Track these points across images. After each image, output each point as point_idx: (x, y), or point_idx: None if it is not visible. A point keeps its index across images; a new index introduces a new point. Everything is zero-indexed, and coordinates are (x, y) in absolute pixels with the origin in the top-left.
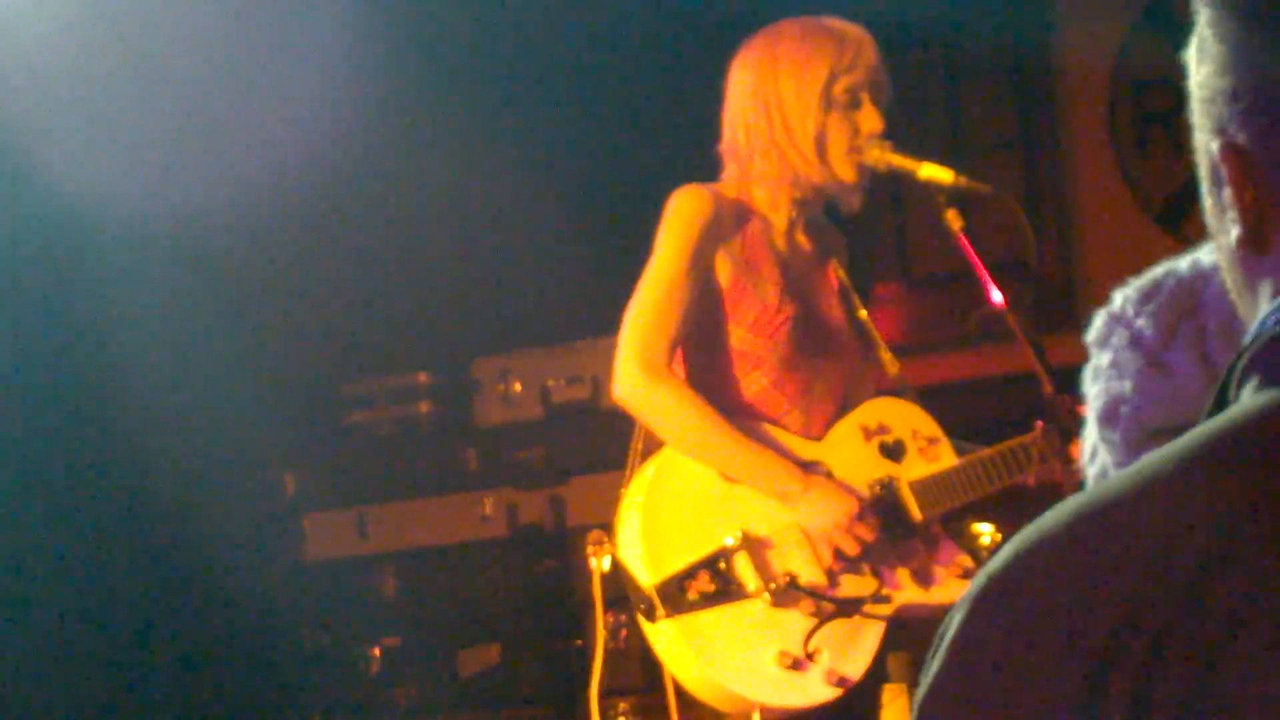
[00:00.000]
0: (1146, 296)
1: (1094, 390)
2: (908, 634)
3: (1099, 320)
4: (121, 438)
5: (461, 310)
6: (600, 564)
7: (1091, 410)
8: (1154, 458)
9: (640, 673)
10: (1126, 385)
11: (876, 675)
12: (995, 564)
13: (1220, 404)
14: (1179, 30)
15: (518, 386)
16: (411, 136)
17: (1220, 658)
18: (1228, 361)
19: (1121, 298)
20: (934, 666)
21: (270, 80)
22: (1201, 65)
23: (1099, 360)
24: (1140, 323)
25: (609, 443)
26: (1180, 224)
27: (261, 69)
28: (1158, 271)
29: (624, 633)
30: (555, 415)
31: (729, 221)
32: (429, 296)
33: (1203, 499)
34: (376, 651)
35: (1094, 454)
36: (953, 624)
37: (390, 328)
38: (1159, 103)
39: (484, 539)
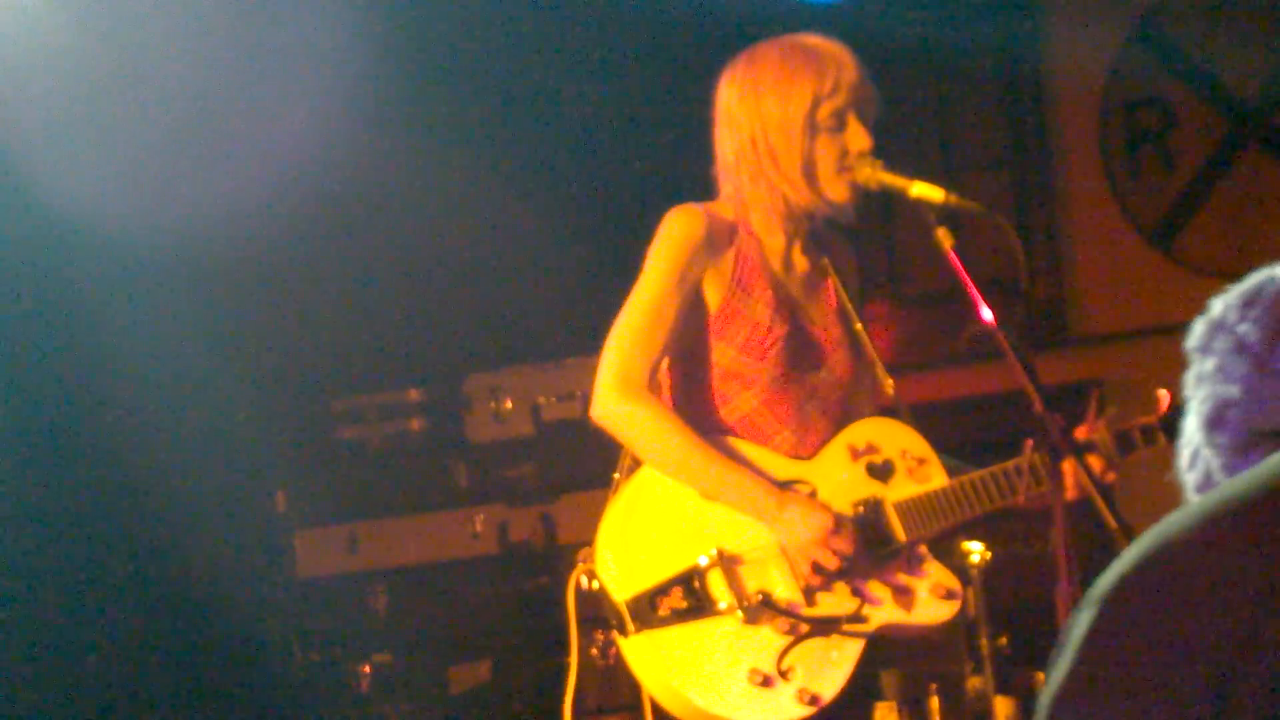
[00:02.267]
0: (1248, 302)
1: (1198, 395)
2: (899, 651)
3: (1199, 327)
4: (113, 455)
5: (453, 327)
6: (583, 580)
7: (1196, 415)
8: (1272, 462)
9: (630, 690)
10: (1234, 389)
11: (868, 692)
12: (1125, 564)
13: None
14: (1169, 50)
15: (509, 404)
16: (405, 155)
17: None
18: None
19: (1222, 304)
20: (1064, 664)
21: (263, 99)
22: None
23: (1202, 366)
24: (1244, 328)
25: (600, 460)
26: (1171, 242)
27: (253, 89)
28: (1258, 277)
29: (613, 650)
30: (546, 433)
31: (721, 241)
32: (420, 314)
33: None
34: (367, 668)
35: (1195, 459)
36: (1081, 623)
37: (382, 345)
38: (1149, 121)
39: (475, 556)
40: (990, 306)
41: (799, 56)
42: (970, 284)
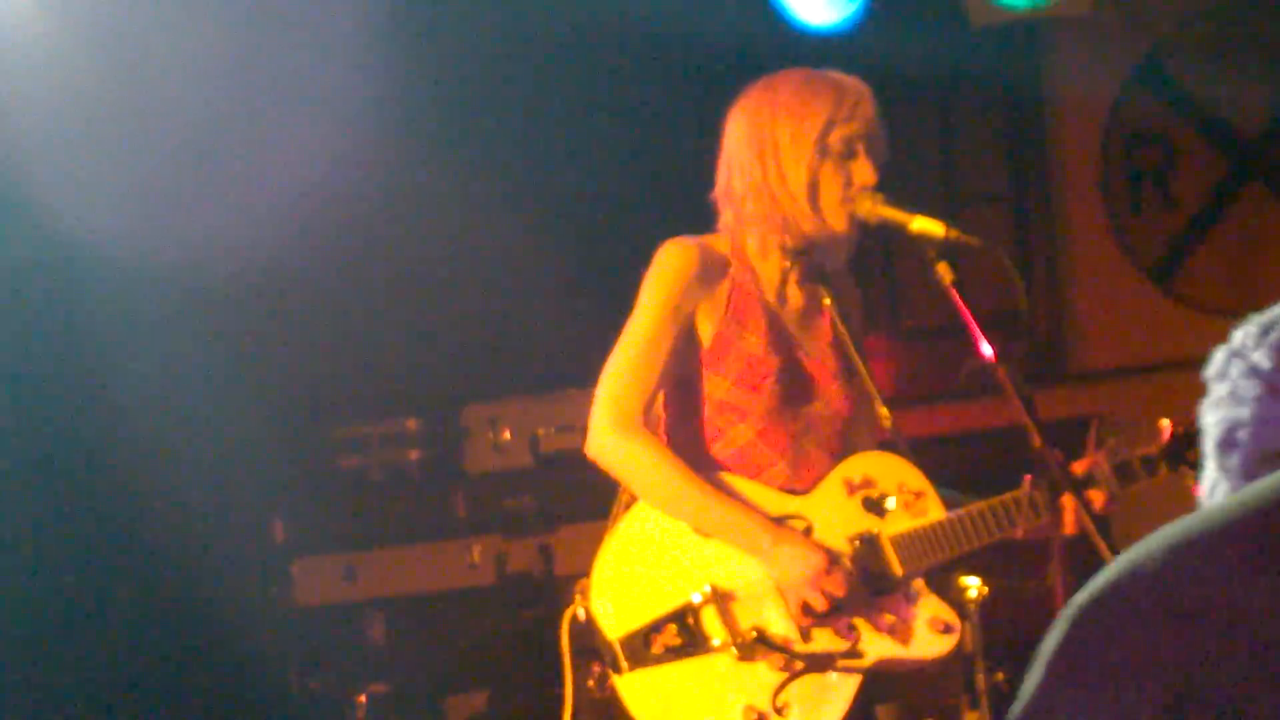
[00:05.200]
0: (1265, 330)
1: (1211, 420)
2: (896, 686)
3: (1217, 356)
4: (110, 481)
5: (452, 357)
6: (578, 612)
7: (1209, 440)
8: (1258, 486)
9: None
10: (1244, 411)
11: None
12: (1096, 585)
13: None
14: (1172, 87)
15: (507, 434)
16: (405, 185)
17: None
18: None
19: (1241, 334)
20: (1033, 680)
21: (266, 125)
22: None
23: (1217, 392)
24: (1257, 355)
25: (598, 492)
26: (1171, 279)
27: (256, 117)
28: (1278, 309)
29: (609, 682)
30: (544, 463)
31: (715, 273)
32: (420, 343)
33: None
34: (363, 698)
35: (1214, 488)
36: (1051, 640)
37: (380, 374)
38: (1151, 158)
39: (472, 586)
40: (990, 341)
41: (820, 82)
42: (970, 319)
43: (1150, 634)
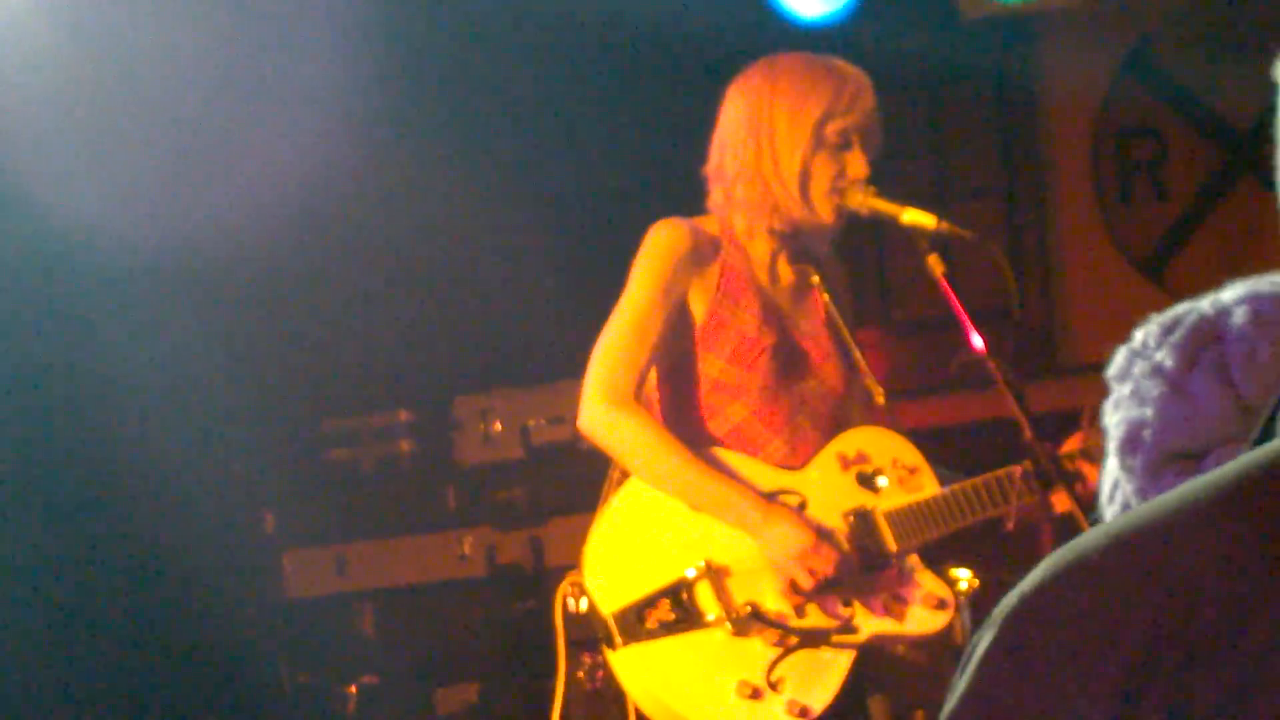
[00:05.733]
0: (1167, 330)
1: (1114, 420)
2: (886, 677)
3: (1119, 355)
4: (100, 473)
5: (443, 349)
6: (575, 603)
7: (1112, 441)
8: (1194, 484)
9: (618, 713)
10: (1147, 411)
11: (860, 704)
12: (1028, 583)
13: (1268, 433)
14: (1163, 79)
15: (498, 426)
16: (395, 176)
17: (1253, 690)
18: (1266, 389)
19: (1142, 334)
20: (962, 683)
21: (256, 120)
22: None
23: (1119, 392)
24: (1160, 354)
25: (589, 484)
26: (1162, 272)
27: (247, 110)
28: (1179, 309)
29: (600, 674)
30: (536, 455)
31: (706, 253)
32: (410, 335)
33: (1242, 531)
34: (354, 689)
35: (1115, 489)
36: (982, 641)
37: (371, 366)
38: (1142, 150)
39: (463, 578)
40: (981, 334)
41: (822, 69)
42: (961, 311)
43: (1086, 635)
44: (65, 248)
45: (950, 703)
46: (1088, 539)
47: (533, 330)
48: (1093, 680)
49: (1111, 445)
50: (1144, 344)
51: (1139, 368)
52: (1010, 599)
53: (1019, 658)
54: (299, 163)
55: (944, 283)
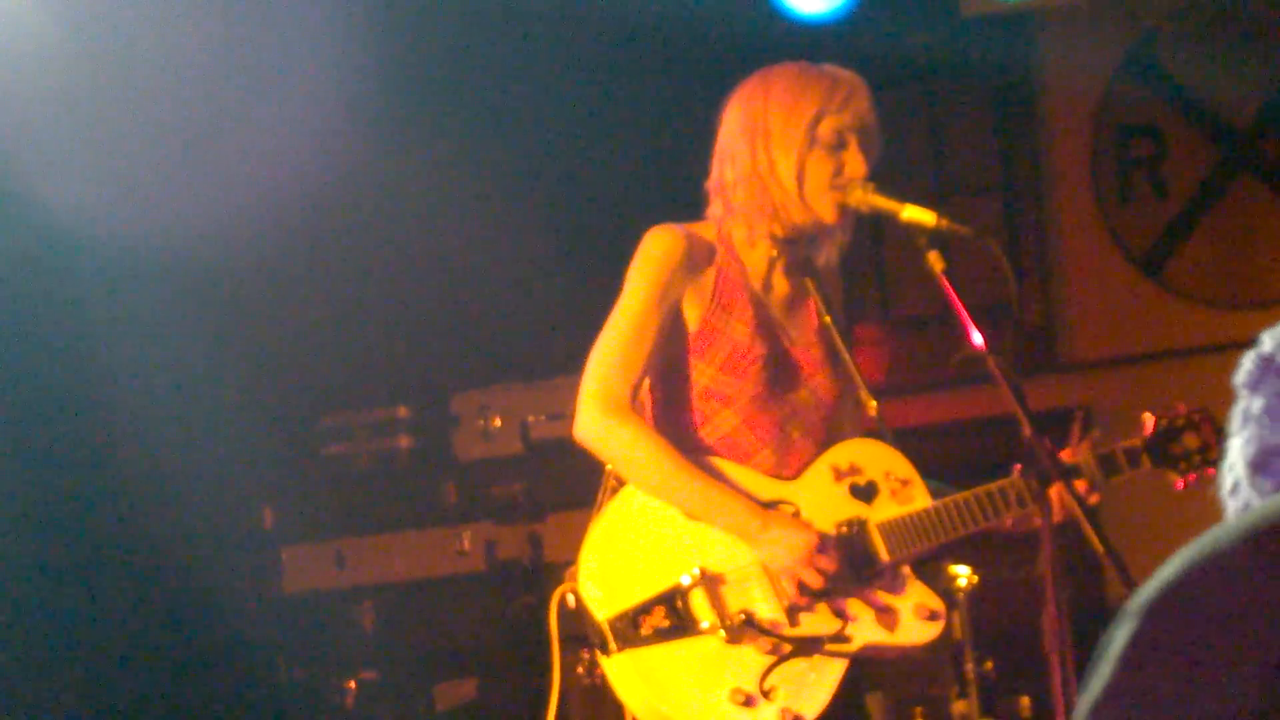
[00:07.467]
0: None
1: (1244, 434)
2: (885, 675)
3: (1247, 362)
4: (99, 469)
5: (441, 345)
6: (569, 599)
7: (1240, 453)
8: None
9: (615, 709)
10: None
11: (852, 713)
12: (1168, 575)
13: None
14: (1162, 77)
15: (497, 422)
16: (393, 173)
17: None
18: None
19: (1272, 341)
20: (1100, 678)
21: (255, 115)
22: None
23: (1250, 405)
24: None
25: (588, 479)
26: (1161, 269)
27: (245, 105)
28: None
29: (599, 669)
30: (535, 450)
31: (701, 260)
32: (409, 331)
33: None
34: (353, 684)
35: (1237, 488)
36: (1119, 635)
37: (370, 362)
38: (1141, 148)
39: (462, 574)
40: (980, 331)
41: (815, 73)
42: (961, 308)
43: (1230, 626)
44: (62, 246)
45: (1091, 695)
46: (1221, 533)
47: (532, 326)
48: (1236, 674)
49: (1240, 456)
50: (1274, 353)
51: (1272, 384)
52: (1149, 590)
53: (1163, 651)
54: (297, 160)
55: (943, 280)
